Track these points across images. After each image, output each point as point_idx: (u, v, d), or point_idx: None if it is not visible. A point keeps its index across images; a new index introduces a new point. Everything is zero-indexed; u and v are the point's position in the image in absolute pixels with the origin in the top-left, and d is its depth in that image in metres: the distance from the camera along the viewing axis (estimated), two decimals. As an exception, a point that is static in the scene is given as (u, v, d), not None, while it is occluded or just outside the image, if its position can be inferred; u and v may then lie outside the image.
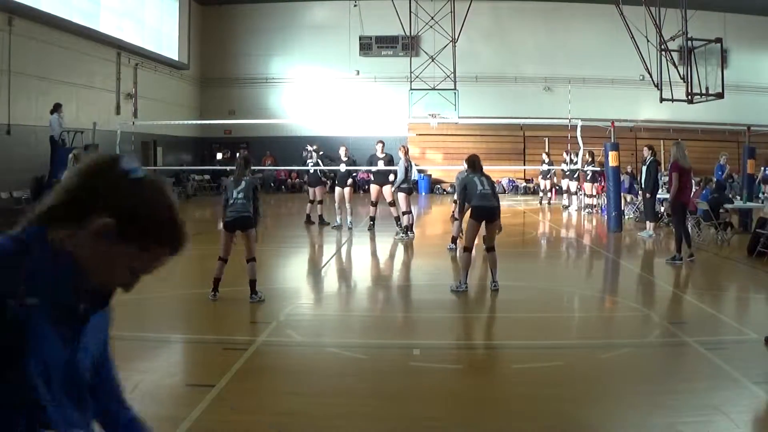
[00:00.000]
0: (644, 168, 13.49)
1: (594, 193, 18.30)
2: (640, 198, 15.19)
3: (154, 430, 1.62)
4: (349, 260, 11.41)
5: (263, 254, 10.45)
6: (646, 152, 13.60)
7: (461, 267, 8.14)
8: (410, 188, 12.91)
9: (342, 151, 14.24)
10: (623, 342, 6.08)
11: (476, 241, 8.29)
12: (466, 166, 8.56)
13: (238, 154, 14.46)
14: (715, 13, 25.16)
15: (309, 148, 14.68)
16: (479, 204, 7.96)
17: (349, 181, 14.07)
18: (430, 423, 4.31)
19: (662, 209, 15.36)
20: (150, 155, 23.53)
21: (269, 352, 5.82)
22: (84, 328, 1.37)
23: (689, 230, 10.51)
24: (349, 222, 14.05)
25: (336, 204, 14.30)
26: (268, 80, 28.42)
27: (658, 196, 13.96)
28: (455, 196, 10.45)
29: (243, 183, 7.45)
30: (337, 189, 14.28)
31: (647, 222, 13.44)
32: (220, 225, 7.55)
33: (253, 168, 8.32)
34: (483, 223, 7.99)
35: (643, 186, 13.63)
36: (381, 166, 13.77)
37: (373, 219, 13.93)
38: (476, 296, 8.36)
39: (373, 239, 13.11)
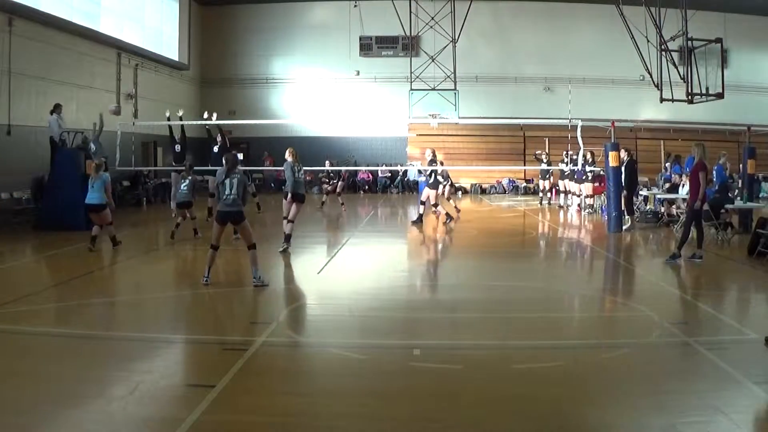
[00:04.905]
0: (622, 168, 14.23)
1: (591, 193, 18.28)
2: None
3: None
4: (350, 260, 11.39)
5: (264, 254, 10.46)
6: (623, 154, 14.37)
7: (207, 263, 8.23)
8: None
9: (428, 153, 15.42)
10: (623, 342, 6.07)
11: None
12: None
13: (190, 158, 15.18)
14: (715, 13, 25.16)
15: (414, 164, 15.47)
16: (222, 209, 8.25)
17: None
18: (430, 423, 4.31)
19: (662, 209, 15.35)
20: (150, 155, 23.53)
21: (269, 352, 5.81)
22: None
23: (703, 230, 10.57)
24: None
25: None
26: (269, 80, 28.44)
27: (658, 196, 14.13)
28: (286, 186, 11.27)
29: (98, 181, 10.61)
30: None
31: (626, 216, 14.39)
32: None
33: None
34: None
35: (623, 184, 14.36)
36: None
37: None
38: (476, 296, 8.37)
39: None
